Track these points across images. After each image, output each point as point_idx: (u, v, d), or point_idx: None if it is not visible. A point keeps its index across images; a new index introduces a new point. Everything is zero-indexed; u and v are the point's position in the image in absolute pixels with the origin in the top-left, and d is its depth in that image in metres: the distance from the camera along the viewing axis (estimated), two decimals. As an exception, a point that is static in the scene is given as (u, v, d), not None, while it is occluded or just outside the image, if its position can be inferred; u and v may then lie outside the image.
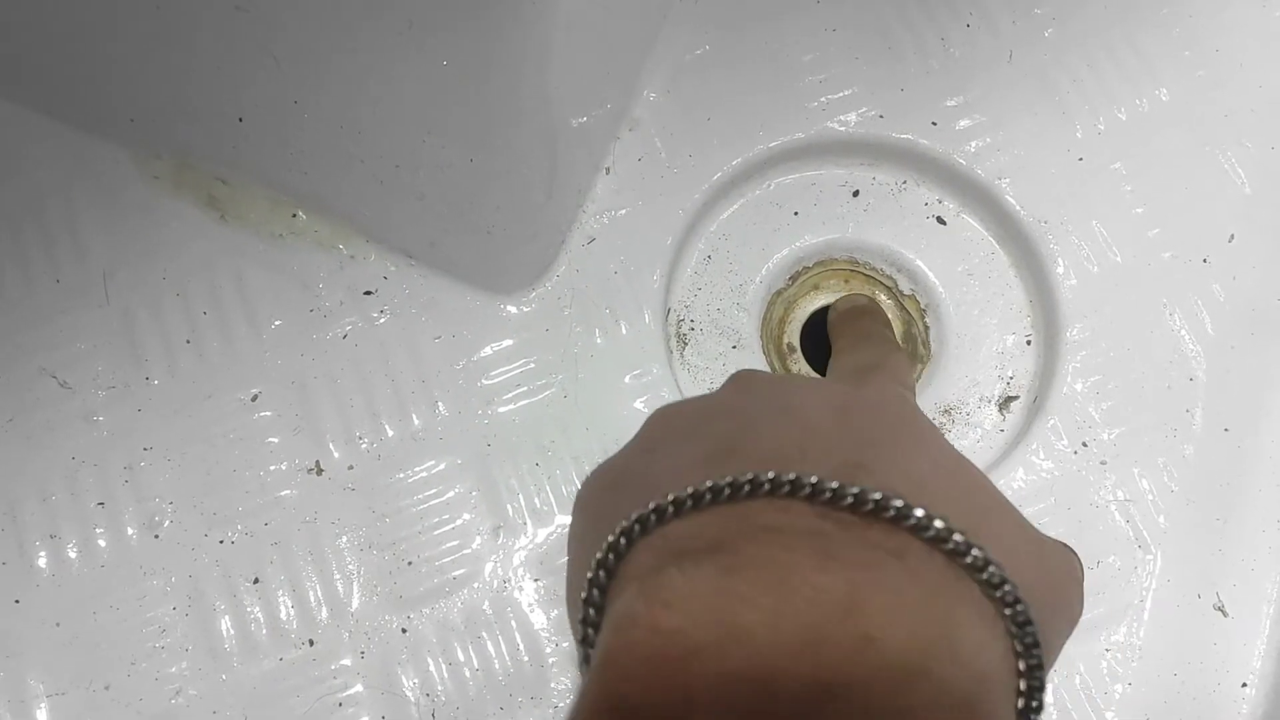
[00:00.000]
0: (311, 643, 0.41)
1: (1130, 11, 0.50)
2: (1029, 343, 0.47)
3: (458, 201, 0.44)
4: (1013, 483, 0.44)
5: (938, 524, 0.22)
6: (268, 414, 0.44)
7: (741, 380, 0.31)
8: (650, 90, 0.49)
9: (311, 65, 0.41)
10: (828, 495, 0.22)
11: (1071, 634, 0.28)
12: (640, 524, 0.23)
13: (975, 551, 0.22)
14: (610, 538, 0.24)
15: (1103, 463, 0.44)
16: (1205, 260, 0.47)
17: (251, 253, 0.46)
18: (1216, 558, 0.43)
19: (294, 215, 0.46)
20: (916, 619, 0.21)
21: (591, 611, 0.24)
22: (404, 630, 0.42)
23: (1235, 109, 0.49)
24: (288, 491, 0.43)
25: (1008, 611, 0.23)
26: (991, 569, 0.22)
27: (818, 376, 0.30)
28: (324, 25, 0.39)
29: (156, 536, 0.42)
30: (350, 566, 0.42)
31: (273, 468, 0.43)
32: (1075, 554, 0.33)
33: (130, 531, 0.42)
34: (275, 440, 0.44)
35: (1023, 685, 0.23)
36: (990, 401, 0.46)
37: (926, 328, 0.48)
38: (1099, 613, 0.42)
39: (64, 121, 0.47)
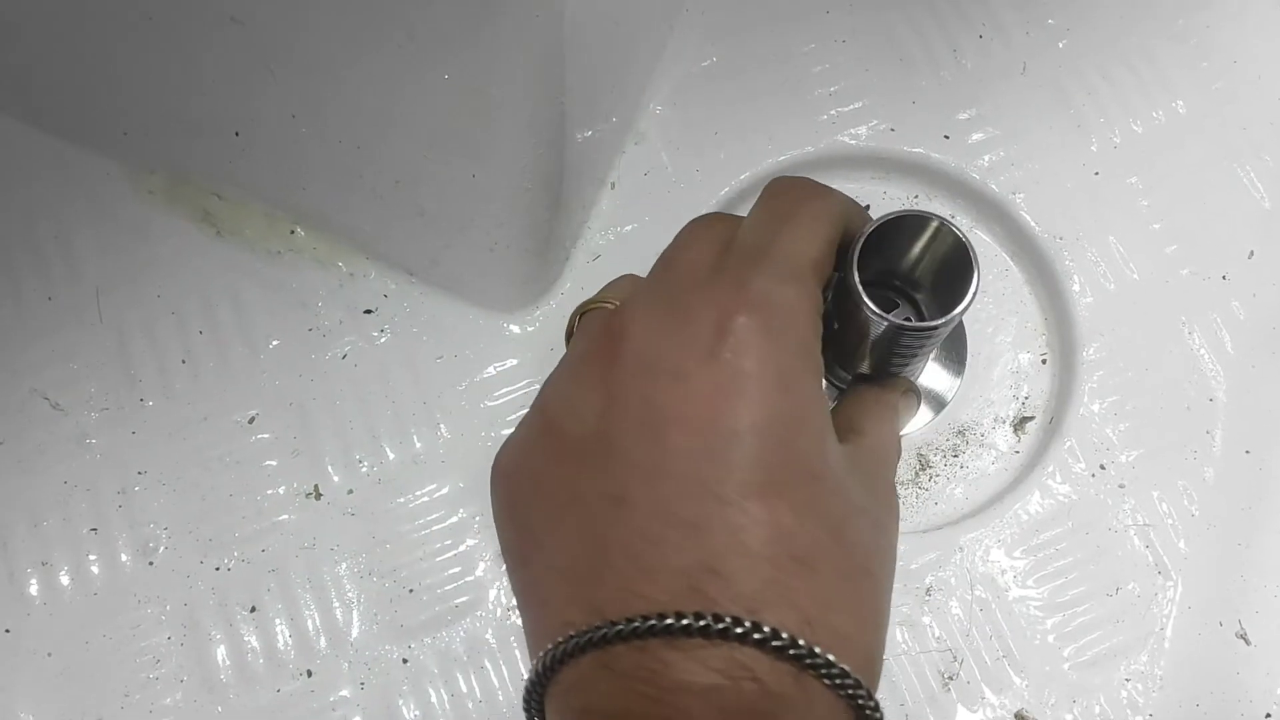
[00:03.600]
0: (310, 673, 0.40)
1: (1146, 23, 0.49)
2: (1044, 361, 0.46)
3: (460, 218, 0.43)
4: (1029, 506, 0.43)
5: (771, 634, 0.25)
6: (265, 436, 0.43)
7: (606, 358, 0.30)
8: (656, 103, 0.48)
9: (309, 79, 0.40)
10: (672, 628, 0.25)
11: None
12: (539, 675, 0.27)
13: (814, 655, 0.25)
14: (525, 691, 0.28)
15: (1121, 486, 0.43)
16: (1225, 277, 0.46)
17: (248, 270, 0.45)
18: (1239, 584, 0.42)
19: (292, 232, 0.45)
20: None
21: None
22: (405, 660, 0.40)
23: (1254, 121, 0.48)
24: (286, 516, 0.42)
25: (852, 698, 0.26)
26: (829, 669, 0.25)
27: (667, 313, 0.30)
28: (322, 38, 0.38)
29: (151, 563, 0.41)
30: (350, 594, 0.41)
31: (270, 492, 0.42)
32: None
33: (124, 558, 0.41)
34: (273, 463, 0.43)
35: None
36: (1005, 422, 0.45)
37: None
38: (1118, 641, 0.41)
39: (55, 135, 0.46)
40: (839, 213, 0.34)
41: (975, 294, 0.33)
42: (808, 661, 0.25)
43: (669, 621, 0.25)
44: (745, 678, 0.25)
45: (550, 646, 0.26)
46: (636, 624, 0.25)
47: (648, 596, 0.26)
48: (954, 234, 0.34)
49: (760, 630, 0.25)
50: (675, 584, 0.26)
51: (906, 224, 0.34)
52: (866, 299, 0.33)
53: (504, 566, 0.32)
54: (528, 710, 0.28)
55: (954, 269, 0.34)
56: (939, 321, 0.33)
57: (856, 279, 0.33)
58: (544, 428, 0.30)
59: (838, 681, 0.25)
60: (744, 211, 0.47)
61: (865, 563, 0.28)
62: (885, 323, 0.33)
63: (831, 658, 0.25)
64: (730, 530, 0.26)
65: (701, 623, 0.25)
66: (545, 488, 0.29)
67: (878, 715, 0.26)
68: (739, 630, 0.25)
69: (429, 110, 0.39)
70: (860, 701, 0.26)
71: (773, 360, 0.28)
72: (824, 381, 0.46)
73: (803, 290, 0.30)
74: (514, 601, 0.41)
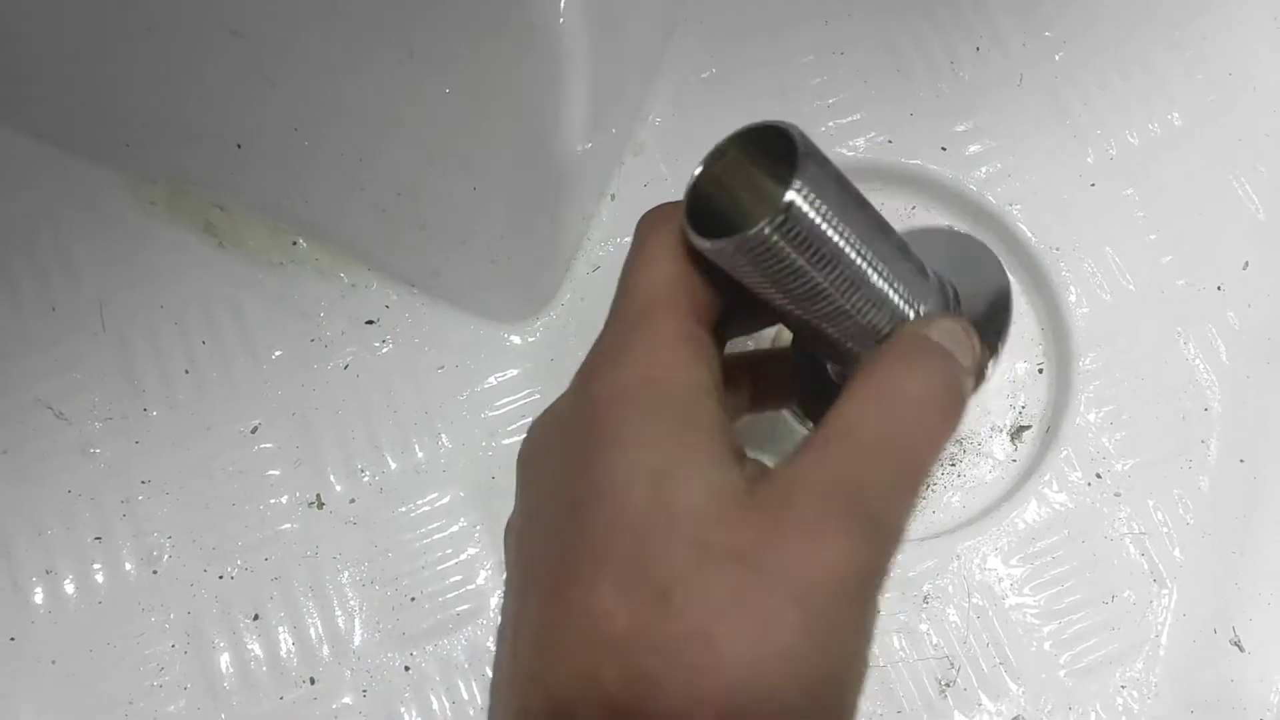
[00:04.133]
0: (313, 681, 0.40)
1: (1142, 34, 0.49)
2: (1041, 371, 0.46)
3: (460, 229, 0.43)
4: (1026, 515, 0.43)
5: None
6: (268, 446, 0.43)
7: (530, 483, 0.28)
8: (655, 114, 0.48)
9: (311, 91, 0.40)
10: None
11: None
12: None
13: None
14: None
15: (1117, 494, 0.43)
16: (1220, 288, 0.46)
17: (250, 281, 0.45)
18: (1233, 592, 0.43)
19: (294, 243, 0.45)
20: None
21: None
22: (407, 668, 0.41)
23: (1249, 133, 0.48)
24: (288, 525, 0.42)
25: None
26: None
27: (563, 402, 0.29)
28: (323, 51, 0.38)
29: (155, 572, 0.41)
30: (352, 602, 0.41)
31: (273, 501, 0.42)
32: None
33: (128, 566, 0.41)
34: (275, 473, 0.43)
35: None
36: (1002, 431, 0.46)
37: (936, 355, 0.47)
38: (1114, 648, 0.42)
39: (57, 146, 0.46)
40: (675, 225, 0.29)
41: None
42: None
43: None
44: None
45: None
46: None
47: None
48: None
49: None
50: (533, 704, 0.23)
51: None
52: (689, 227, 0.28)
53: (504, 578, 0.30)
54: None
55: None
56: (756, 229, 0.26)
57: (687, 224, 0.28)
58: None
59: None
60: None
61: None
62: (708, 245, 0.27)
63: None
64: (549, 626, 0.24)
65: None
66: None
67: None
68: None
69: (429, 122, 0.40)
70: None
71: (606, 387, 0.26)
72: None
73: (651, 339, 0.26)
74: (515, 610, 0.41)
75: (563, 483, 0.26)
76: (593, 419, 0.25)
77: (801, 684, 0.22)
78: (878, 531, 0.24)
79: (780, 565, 0.23)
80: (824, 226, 0.26)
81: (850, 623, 0.23)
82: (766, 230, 0.25)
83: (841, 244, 0.27)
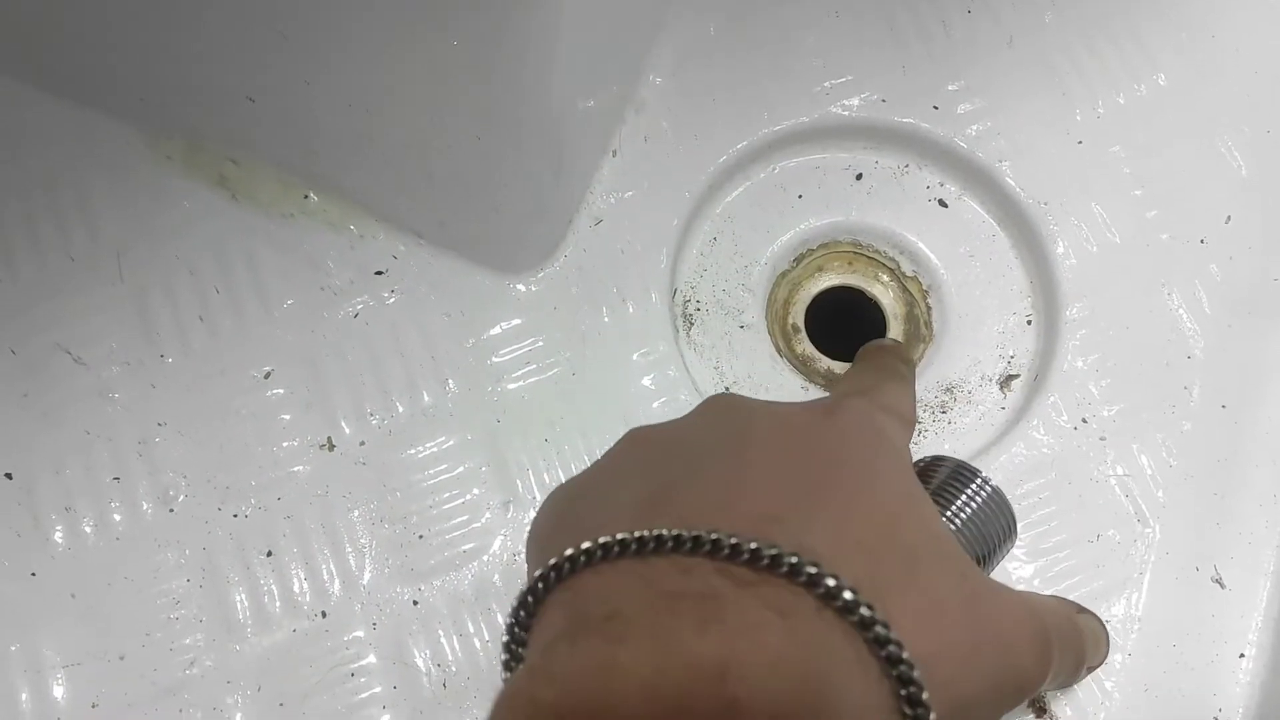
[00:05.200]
0: (324, 614, 0.42)
1: (1128, -2, 0.51)
2: (1029, 322, 0.48)
3: (466, 181, 0.45)
4: (1014, 458, 0.44)
5: (829, 581, 0.23)
6: (280, 391, 0.44)
7: (712, 409, 0.32)
8: (655, 74, 0.49)
9: (323, 45, 0.41)
10: (725, 552, 0.24)
11: (1023, 698, 0.30)
12: (555, 571, 0.25)
13: (864, 611, 0.23)
14: (534, 577, 0.26)
15: (1102, 438, 0.45)
16: (1203, 241, 0.48)
17: (263, 232, 0.46)
18: (1214, 531, 0.44)
19: (305, 196, 0.47)
20: (787, 681, 0.22)
21: (510, 655, 0.27)
22: (415, 602, 0.42)
23: (1232, 94, 0.50)
24: (300, 467, 0.44)
25: (894, 672, 0.24)
26: (878, 629, 0.23)
27: (797, 403, 0.33)
28: (334, 5, 0.39)
29: (171, 510, 0.43)
30: (362, 540, 0.43)
31: (285, 443, 0.44)
32: (1079, 610, 0.36)
33: (145, 506, 0.43)
34: (287, 417, 0.44)
35: None
36: (992, 380, 0.47)
37: (929, 309, 0.49)
38: (1099, 585, 0.43)
39: (75, 101, 0.48)
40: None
41: None
42: (870, 631, 0.23)
43: (731, 541, 0.23)
44: (801, 623, 0.23)
45: (582, 547, 0.25)
46: (689, 540, 0.24)
47: (709, 526, 0.24)
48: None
49: (823, 582, 0.23)
50: (739, 524, 0.24)
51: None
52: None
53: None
54: (515, 617, 0.27)
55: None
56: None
57: None
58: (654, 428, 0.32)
59: (896, 664, 0.24)
60: (741, 178, 0.49)
61: (949, 558, 0.28)
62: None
63: (893, 635, 0.23)
64: (807, 497, 0.26)
65: (767, 552, 0.23)
66: (648, 445, 0.30)
67: (923, 712, 0.24)
68: (804, 573, 0.23)
69: (437, 76, 0.41)
70: (910, 690, 0.24)
71: (875, 424, 0.31)
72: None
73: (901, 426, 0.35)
74: (519, 547, 0.43)
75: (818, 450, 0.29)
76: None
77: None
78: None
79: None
80: None
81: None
82: None
83: None
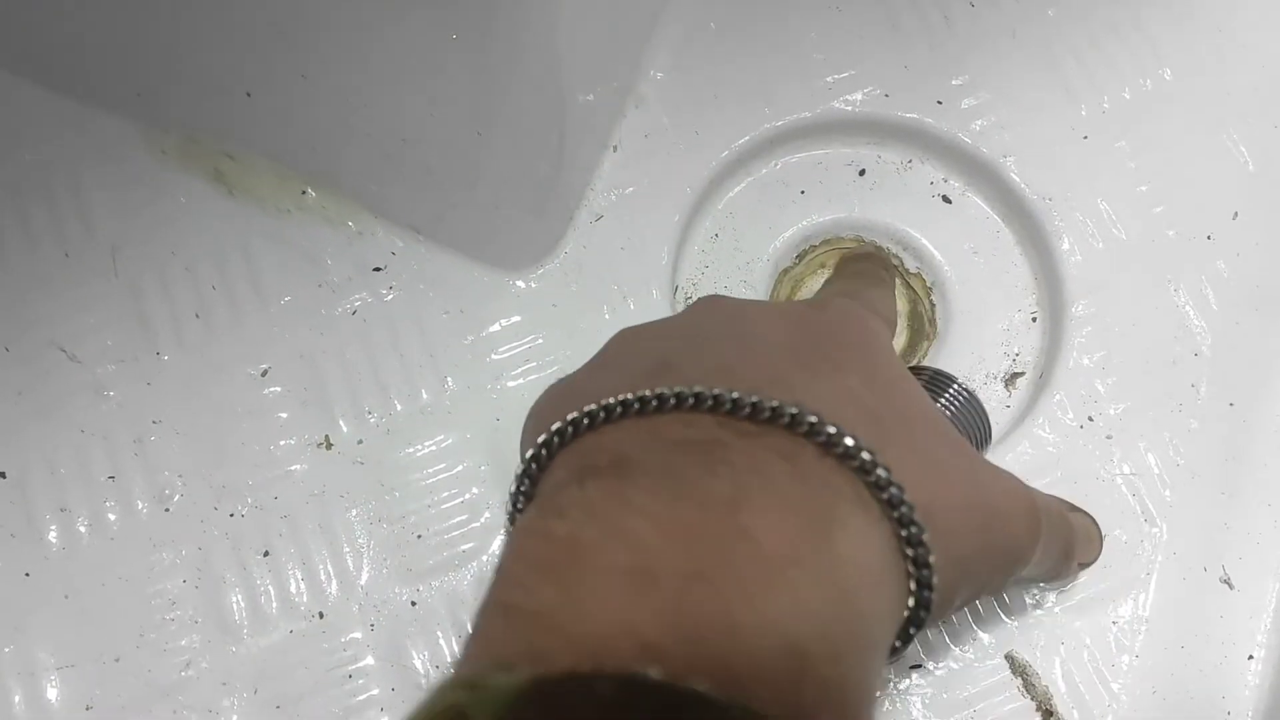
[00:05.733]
0: (321, 615, 0.41)
1: (1134, -9, 0.50)
2: (1034, 319, 0.47)
3: (465, 176, 0.44)
4: (1020, 457, 0.44)
5: (829, 429, 0.24)
6: (277, 389, 0.44)
7: (706, 302, 0.33)
8: (656, 68, 0.49)
9: (320, 40, 0.41)
10: (728, 407, 0.24)
11: (1014, 569, 0.31)
12: (559, 435, 0.25)
13: (864, 455, 0.24)
14: (537, 443, 0.26)
15: (1108, 437, 0.44)
16: (1209, 237, 0.47)
17: (260, 228, 0.46)
18: (1222, 531, 0.44)
19: (302, 191, 0.46)
20: (793, 513, 0.23)
21: (516, 511, 0.27)
22: (413, 603, 0.42)
23: (1238, 87, 0.49)
24: (297, 466, 0.43)
25: (895, 514, 0.24)
26: (879, 472, 0.24)
27: (786, 301, 0.33)
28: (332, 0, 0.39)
29: (166, 510, 0.42)
30: (360, 540, 0.42)
31: (282, 442, 0.43)
32: (1071, 509, 0.38)
33: (140, 505, 0.42)
34: (284, 415, 0.44)
35: (912, 586, 0.25)
36: (997, 378, 0.47)
37: (933, 305, 0.48)
38: (1105, 586, 0.42)
39: (70, 95, 0.47)
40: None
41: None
42: (871, 475, 0.24)
43: (733, 395, 0.24)
44: (805, 465, 0.24)
45: (585, 409, 0.25)
46: (691, 397, 0.24)
47: (711, 385, 0.25)
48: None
49: (824, 430, 0.24)
50: (741, 385, 0.25)
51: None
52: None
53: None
54: (519, 485, 0.27)
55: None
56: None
57: None
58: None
59: (896, 506, 0.24)
60: (743, 174, 0.49)
61: (942, 428, 0.29)
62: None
63: (894, 478, 0.24)
64: (806, 365, 0.27)
65: (768, 404, 0.24)
66: (644, 335, 0.31)
67: (924, 552, 0.24)
68: (804, 423, 0.24)
69: (435, 70, 0.40)
70: (911, 531, 0.24)
71: (863, 317, 0.32)
72: None
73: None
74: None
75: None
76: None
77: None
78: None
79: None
80: None
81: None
82: None
83: None
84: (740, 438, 0.24)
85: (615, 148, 0.48)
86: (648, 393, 0.25)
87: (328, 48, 0.41)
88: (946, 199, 0.49)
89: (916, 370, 0.39)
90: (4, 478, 0.42)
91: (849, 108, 0.49)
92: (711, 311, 0.32)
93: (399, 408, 0.44)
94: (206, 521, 0.42)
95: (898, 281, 0.49)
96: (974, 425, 0.40)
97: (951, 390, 0.39)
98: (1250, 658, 0.42)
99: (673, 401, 0.24)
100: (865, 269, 0.45)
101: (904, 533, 0.24)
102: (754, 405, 0.24)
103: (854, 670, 0.22)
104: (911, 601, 0.25)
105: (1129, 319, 0.46)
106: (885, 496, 0.24)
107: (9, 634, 0.41)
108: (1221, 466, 0.44)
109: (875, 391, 0.27)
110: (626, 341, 0.31)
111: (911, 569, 0.25)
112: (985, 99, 0.49)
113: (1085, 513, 0.40)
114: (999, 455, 0.44)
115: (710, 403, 0.24)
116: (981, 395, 0.39)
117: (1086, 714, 0.41)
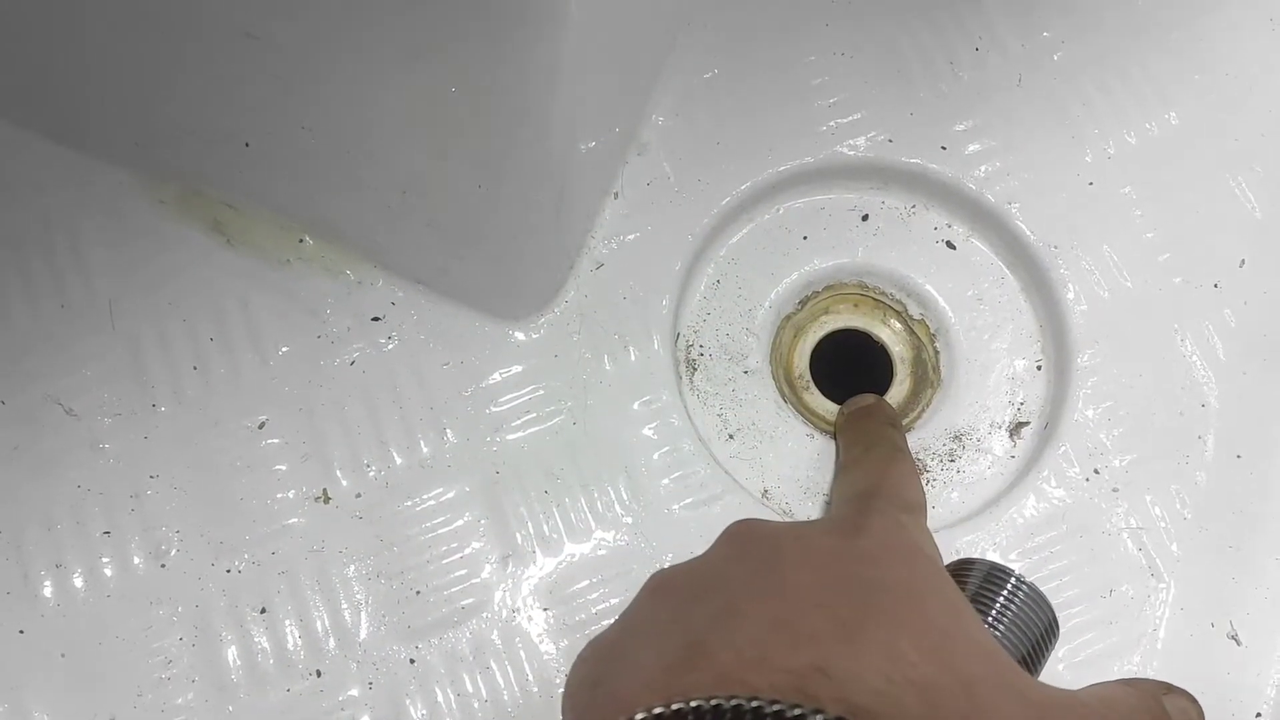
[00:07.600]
0: (319, 673, 0.41)
1: (1140, 35, 0.50)
2: (1039, 368, 0.47)
3: (466, 227, 0.44)
4: (1024, 510, 0.44)
5: None
6: (275, 441, 0.44)
7: (734, 541, 0.31)
8: (659, 114, 0.49)
9: (320, 91, 0.40)
10: (773, 716, 0.22)
11: None
12: None
13: None
14: None
15: (1115, 490, 0.44)
16: (1216, 285, 0.47)
17: (258, 278, 0.46)
18: (1230, 586, 0.43)
19: (301, 241, 0.46)
20: None
21: None
22: (412, 660, 0.41)
23: (1245, 133, 0.49)
24: (295, 520, 0.43)
25: None
26: None
27: (819, 523, 0.31)
28: (333, 51, 0.38)
29: (163, 566, 0.42)
30: (358, 596, 0.42)
31: (280, 496, 0.43)
32: (1159, 689, 0.34)
33: (136, 561, 0.42)
34: (283, 468, 0.43)
35: None
36: (1001, 427, 0.46)
37: (936, 353, 0.48)
38: (1112, 642, 0.42)
39: (69, 145, 0.47)
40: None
41: None
42: None
43: (773, 708, 0.22)
44: None
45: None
46: (728, 713, 0.23)
47: (746, 683, 0.23)
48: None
49: None
50: (779, 679, 0.23)
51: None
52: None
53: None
54: None
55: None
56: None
57: None
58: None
59: None
60: (745, 219, 0.48)
61: (1009, 678, 0.27)
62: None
63: None
64: (850, 637, 0.25)
65: (811, 714, 0.22)
66: (674, 591, 0.29)
67: None
68: None
69: (436, 122, 0.40)
70: None
71: (904, 536, 0.30)
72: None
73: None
74: (518, 603, 0.42)
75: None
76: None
77: None
78: None
79: None
80: None
81: None
82: None
83: None
84: None
85: (617, 194, 0.48)
86: (682, 706, 0.23)
87: (328, 99, 0.41)
88: (950, 245, 0.48)
89: (967, 566, 0.35)
90: None
91: (852, 153, 0.48)
92: (744, 557, 0.30)
93: (398, 460, 0.44)
94: (204, 578, 0.42)
95: (900, 326, 0.48)
96: (1038, 625, 0.35)
97: (1009, 588, 0.35)
98: (1258, 715, 0.42)
99: (709, 717, 0.23)
100: (878, 434, 0.43)
101: None
102: (796, 718, 0.22)
103: None
104: None
105: (1135, 369, 0.45)
106: None
107: (4, 692, 0.40)
108: (1229, 520, 0.44)
109: (930, 648, 0.25)
110: (660, 599, 0.30)
111: None
112: (990, 145, 0.48)
113: (1183, 691, 0.34)
114: (1003, 509, 0.44)
115: (748, 718, 0.23)
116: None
117: (1093, 775, 0.40)
